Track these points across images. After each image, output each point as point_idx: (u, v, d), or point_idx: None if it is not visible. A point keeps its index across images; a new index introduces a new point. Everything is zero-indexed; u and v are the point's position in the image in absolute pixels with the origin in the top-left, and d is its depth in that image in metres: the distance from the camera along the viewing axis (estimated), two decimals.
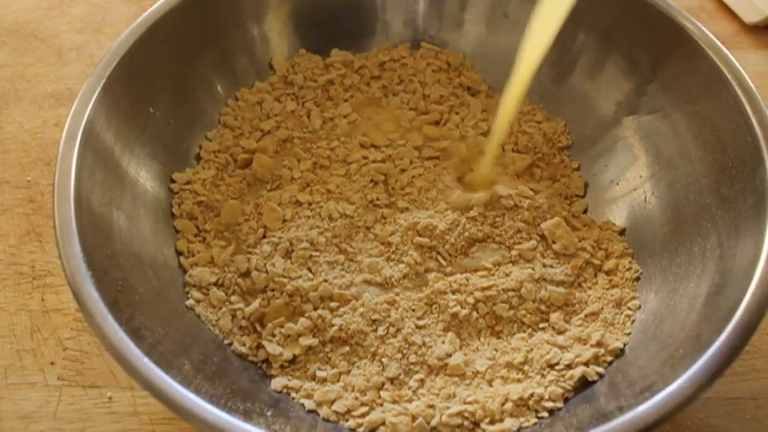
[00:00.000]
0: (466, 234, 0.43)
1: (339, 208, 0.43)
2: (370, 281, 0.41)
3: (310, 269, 0.41)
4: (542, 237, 0.43)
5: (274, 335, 0.39)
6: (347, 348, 0.39)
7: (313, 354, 0.39)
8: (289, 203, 0.44)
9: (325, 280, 0.40)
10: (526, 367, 0.38)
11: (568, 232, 0.43)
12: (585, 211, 0.46)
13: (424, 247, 0.42)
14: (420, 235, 0.42)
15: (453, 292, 0.40)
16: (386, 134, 0.48)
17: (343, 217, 0.43)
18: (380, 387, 0.37)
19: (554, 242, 0.43)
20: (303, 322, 0.39)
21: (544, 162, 0.47)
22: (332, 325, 0.39)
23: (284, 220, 0.43)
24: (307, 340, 0.39)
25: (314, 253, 0.41)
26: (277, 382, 0.37)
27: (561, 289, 0.41)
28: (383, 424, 0.35)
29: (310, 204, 0.44)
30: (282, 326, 0.39)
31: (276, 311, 0.40)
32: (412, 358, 0.38)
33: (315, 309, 0.39)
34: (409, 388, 0.37)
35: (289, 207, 0.44)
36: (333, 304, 0.40)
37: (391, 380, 0.37)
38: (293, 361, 0.38)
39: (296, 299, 0.40)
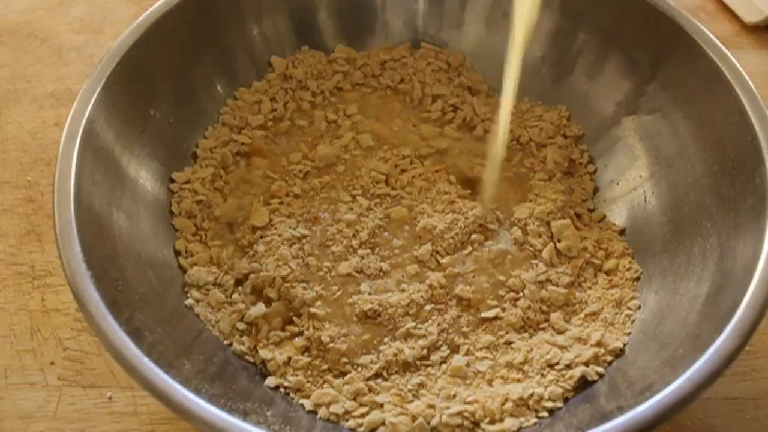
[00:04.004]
0: (467, 230, 0.43)
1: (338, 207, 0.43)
2: (368, 280, 0.41)
3: (308, 268, 0.41)
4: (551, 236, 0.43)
5: (268, 339, 0.39)
6: (345, 348, 0.39)
7: (310, 355, 0.39)
8: (287, 203, 0.44)
9: (323, 281, 0.40)
10: (526, 367, 0.38)
11: (574, 234, 0.43)
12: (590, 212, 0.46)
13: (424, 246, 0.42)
14: (420, 236, 0.42)
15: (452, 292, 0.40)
16: (386, 134, 0.48)
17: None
18: (380, 387, 0.37)
19: (559, 241, 0.43)
20: (299, 323, 0.39)
21: (563, 154, 0.47)
22: (328, 327, 0.39)
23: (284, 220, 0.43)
24: (302, 342, 0.39)
25: (311, 253, 0.41)
26: (272, 381, 0.37)
27: (561, 289, 0.41)
28: (383, 424, 0.35)
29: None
30: (278, 329, 0.39)
31: (275, 312, 0.40)
32: (411, 358, 0.38)
33: (311, 309, 0.39)
34: (409, 389, 0.37)
35: (286, 207, 0.44)
36: (329, 306, 0.40)
37: (391, 381, 0.38)
38: (290, 362, 0.38)
39: (294, 300, 0.40)
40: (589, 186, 0.46)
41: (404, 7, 0.51)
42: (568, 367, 0.37)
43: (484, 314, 0.40)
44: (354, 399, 0.36)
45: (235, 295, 0.40)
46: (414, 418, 0.35)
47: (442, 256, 0.42)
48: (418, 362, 0.38)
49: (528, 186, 0.46)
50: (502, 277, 0.41)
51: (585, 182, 0.46)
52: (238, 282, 0.41)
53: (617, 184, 0.46)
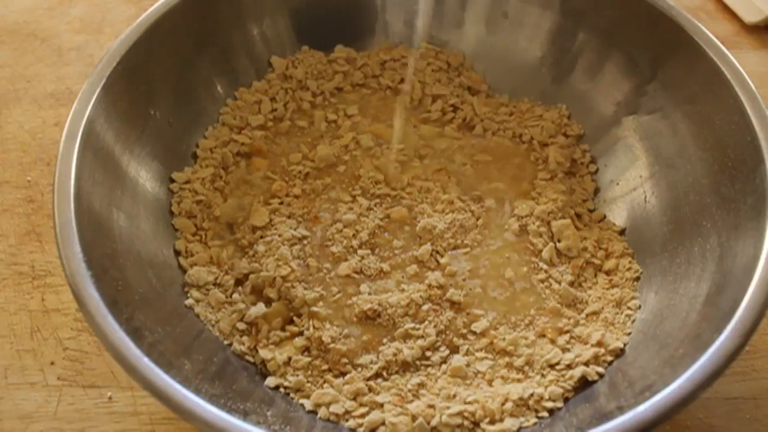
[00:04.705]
0: (466, 230, 0.43)
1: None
2: (368, 280, 0.41)
3: (308, 269, 0.41)
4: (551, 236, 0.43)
5: (268, 339, 0.39)
6: (346, 349, 0.39)
7: (310, 355, 0.39)
8: (287, 204, 0.44)
9: (323, 281, 0.40)
10: (526, 367, 0.38)
11: (575, 234, 0.43)
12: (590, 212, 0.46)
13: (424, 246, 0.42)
14: (420, 237, 0.42)
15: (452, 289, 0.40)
16: (386, 134, 0.48)
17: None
18: (380, 387, 0.37)
19: (560, 241, 0.43)
20: (299, 323, 0.39)
21: (565, 154, 0.47)
22: (329, 328, 0.39)
23: (283, 220, 0.43)
24: (302, 342, 0.39)
25: (312, 254, 0.41)
26: (272, 381, 0.37)
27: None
28: (383, 424, 0.35)
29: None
30: (278, 329, 0.39)
31: (275, 312, 0.40)
32: (411, 358, 0.38)
33: (313, 308, 0.39)
34: (409, 389, 0.37)
35: (286, 207, 0.44)
36: (329, 307, 0.40)
37: (391, 381, 0.37)
38: (290, 362, 0.38)
39: (294, 300, 0.40)
40: (590, 186, 0.46)
41: (404, 7, 0.51)
42: (569, 367, 0.37)
43: (474, 326, 0.40)
44: (354, 399, 0.36)
45: (235, 295, 0.40)
46: (414, 418, 0.35)
47: (442, 256, 0.42)
48: (418, 362, 0.38)
49: (532, 184, 0.46)
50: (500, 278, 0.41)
51: (586, 182, 0.46)
52: (238, 282, 0.41)
53: (617, 184, 0.45)
